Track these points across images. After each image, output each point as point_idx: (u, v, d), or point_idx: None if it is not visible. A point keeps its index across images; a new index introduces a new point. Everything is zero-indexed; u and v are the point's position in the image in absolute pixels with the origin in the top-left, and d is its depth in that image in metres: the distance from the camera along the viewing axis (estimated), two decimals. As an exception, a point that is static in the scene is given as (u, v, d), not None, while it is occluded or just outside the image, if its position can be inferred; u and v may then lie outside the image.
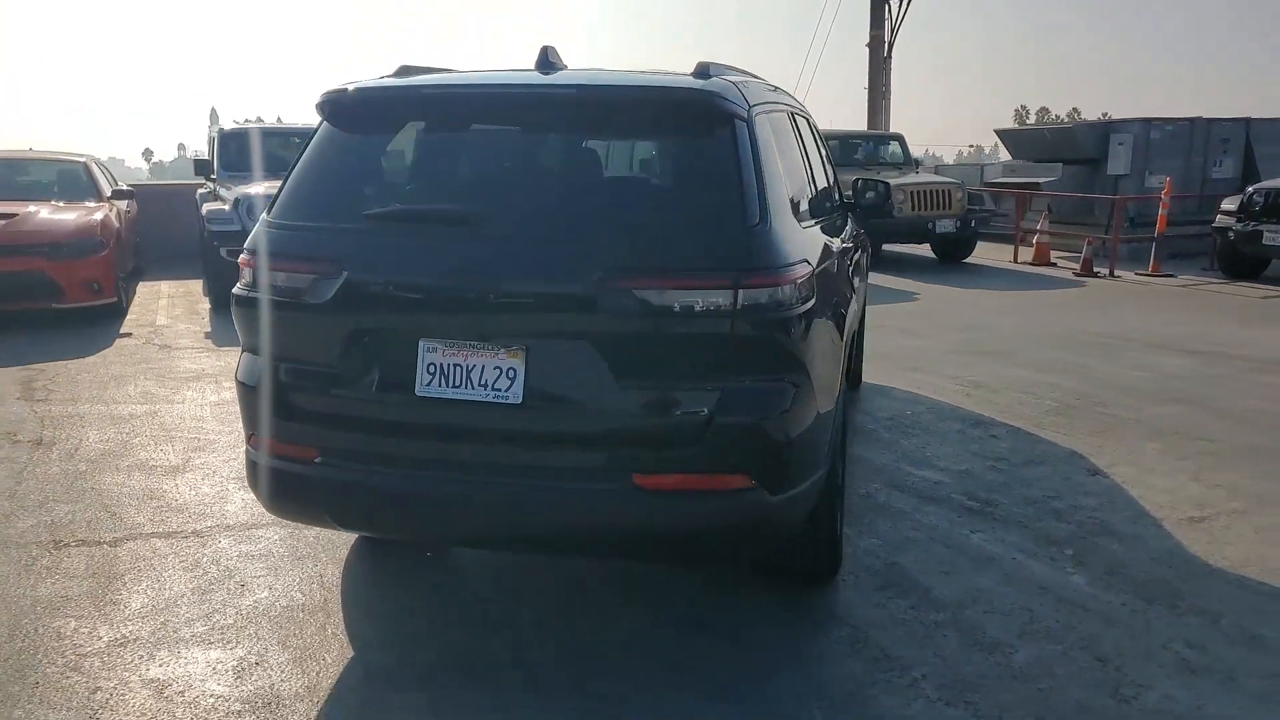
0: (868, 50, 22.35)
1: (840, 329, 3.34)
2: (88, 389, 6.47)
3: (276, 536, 3.95)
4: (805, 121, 4.50)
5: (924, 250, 14.78)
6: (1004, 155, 19.63)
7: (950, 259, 14.05)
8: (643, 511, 2.65)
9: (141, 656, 3.01)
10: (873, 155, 15.09)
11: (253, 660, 2.99)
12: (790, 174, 3.28)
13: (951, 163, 40.88)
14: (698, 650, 3.09)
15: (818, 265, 3.09)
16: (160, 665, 2.96)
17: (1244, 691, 2.87)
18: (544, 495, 2.66)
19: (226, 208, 9.52)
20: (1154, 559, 3.80)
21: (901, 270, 13.17)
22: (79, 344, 7.96)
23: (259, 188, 9.53)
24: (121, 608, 3.34)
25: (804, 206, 3.43)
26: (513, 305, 2.63)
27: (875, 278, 12.37)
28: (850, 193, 5.56)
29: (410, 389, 2.72)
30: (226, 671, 2.92)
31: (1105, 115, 73.12)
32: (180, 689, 2.83)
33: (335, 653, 3.05)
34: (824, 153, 4.71)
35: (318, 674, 2.91)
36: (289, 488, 2.88)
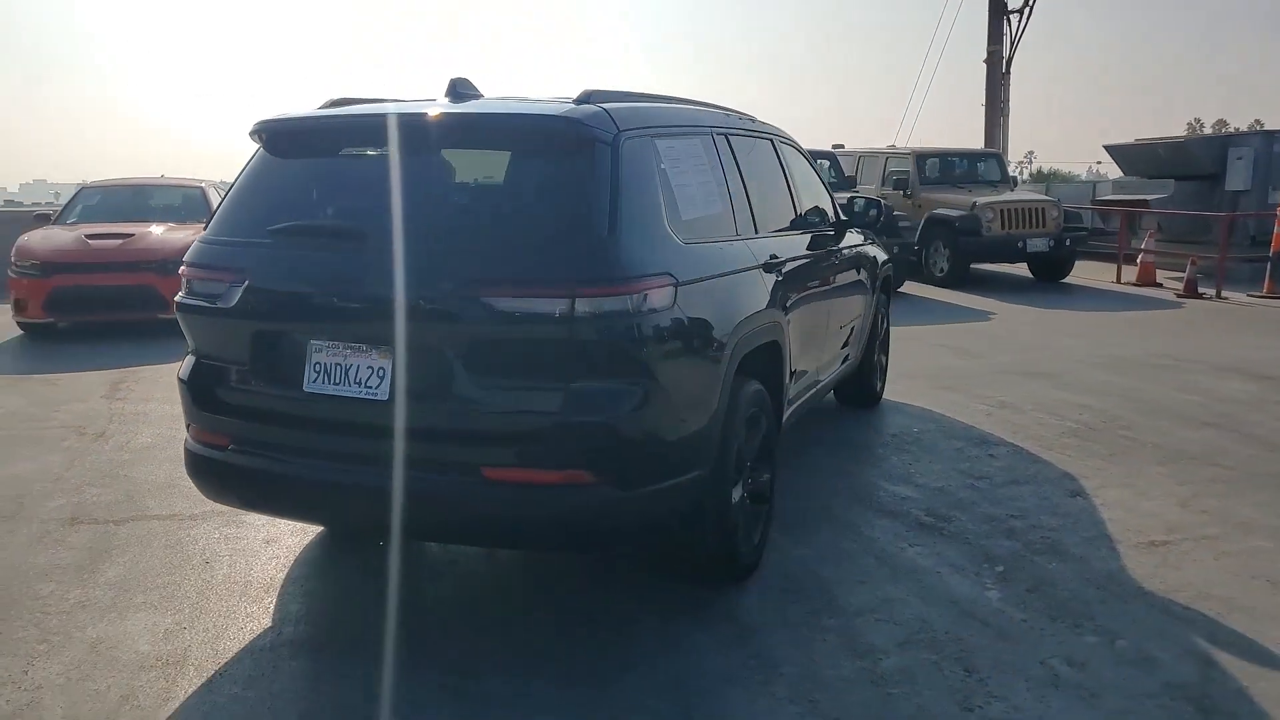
0: (985, 66, 21.83)
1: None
2: (162, 390, 7.15)
3: (260, 523, 4.34)
4: (768, 143, 4.63)
5: (1020, 270, 14.33)
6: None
7: (1046, 279, 13.58)
8: (492, 502, 2.88)
9: (93, 618, 3.42)
10: (969, 173, 14.77)
11: (182, 626, 3.36)
12: (692, 193, 3.43)
13: (1084, 179, 39.09)
14: (573, 639, 3.27)
15: (704, 277, 3.24)
16: (106, 625, 3.37)
17: (1099, 708, 2.84)
18: (406, 484, 2.92)
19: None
20: (1086, 580, 3.73)
21: (988, 289, 12.83)
22: (174, 351, 8.75)
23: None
24: (97, 576, 3.79)
25: (713, 223, 3.57)
26: (382, 311, 2.91)
27: (955, 296, 12.16)
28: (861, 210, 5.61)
29: (299, 385, 3.04)
30: (156, 634, 3.30)
31: (1224, 126, 68.18)
32: (111, 645, 3.21)
33: (257, 624, 3.39)
34: (794, 173, 4.80)
35: (231, 641, 3.25)
36: (207, 472, 3.25)
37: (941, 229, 13.12)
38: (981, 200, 12.93)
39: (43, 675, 3.04)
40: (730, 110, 4.46)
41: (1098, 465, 5.18)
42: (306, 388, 3.03)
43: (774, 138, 4.74)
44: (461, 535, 3.11)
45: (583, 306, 2.80)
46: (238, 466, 3.14)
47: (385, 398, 2.93)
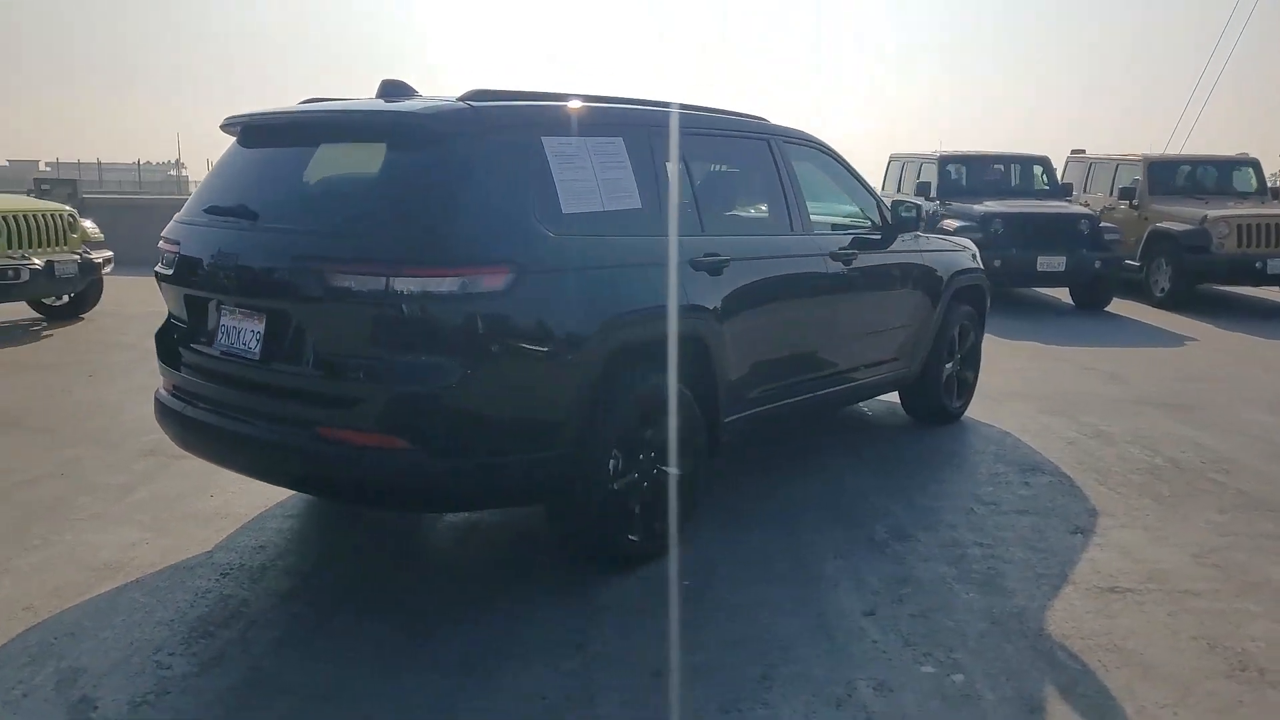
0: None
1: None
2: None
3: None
4: (755, 146, 4.59)
5: (1271, 295, 12.56)
6: None
7: (1297, 305, 11.81)
8: (323, 458, 3.21)
9: (92, 529, 4.14)
10: (1219, 182, 13.12)
11: (146, 541, 3.99)
12: (584, 189, 3.56)
13: None
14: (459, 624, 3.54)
15: (570, 269, 3.39)
16: (93, 534, 4.07)
17: (855, 733, 2.70)
18: (265, 436, 3.33)
19: (971, 223, 11.06)
20: (986, 615, 3.46)
21: (1212, 314, 11.35)
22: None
23: (999, 206, 11.35)
24: (125, 498, 4.54)
25: (620, 219, 3.67)
26: (258, 282, 3.33)
27: (1165, 319, 10.96)
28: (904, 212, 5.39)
29: (213, 343, 3.54)
30: (124, 545, 3.94)
31: None
32: (83, 550, 3.89)
33: (199, 548, 3.94)
34: (795, 177, 4.69)
35: (172, 557, 3.83)
36: (160, 414, 3.84)
37: (1164, 244, 11.79)
38: (1214, 214, 11.48)
39: (18, 562, 3.76)
40: (706, 112, 4.46)
41: (1140, 505, 4.65)
42: (215, 346, 3.52)
43: (773, 139, 4.67)
44: (304, 486, 3.46)
45: (406, 285, 3.06)
46: (174, 412, 3.70)
47: (256, 358, 3.36)
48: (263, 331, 3.36)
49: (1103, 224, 11.53)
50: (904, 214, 5.36)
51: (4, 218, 8.68)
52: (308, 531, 4.18)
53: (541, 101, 3.74)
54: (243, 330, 3.43)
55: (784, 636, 3.26)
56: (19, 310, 9.83)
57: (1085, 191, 13.99)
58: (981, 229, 11.14)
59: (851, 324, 5.03)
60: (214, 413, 3.54)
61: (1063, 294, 12.36)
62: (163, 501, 4.47)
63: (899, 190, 13.94)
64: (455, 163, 3.25)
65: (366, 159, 3.39)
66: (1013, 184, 13.16)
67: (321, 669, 3.01)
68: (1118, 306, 11.81)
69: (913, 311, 5.53)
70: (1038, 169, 13.20)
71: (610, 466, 3.63)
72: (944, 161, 12.90)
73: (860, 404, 6.56)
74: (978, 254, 6.41)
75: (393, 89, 3.75)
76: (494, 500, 3.55)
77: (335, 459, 3.19)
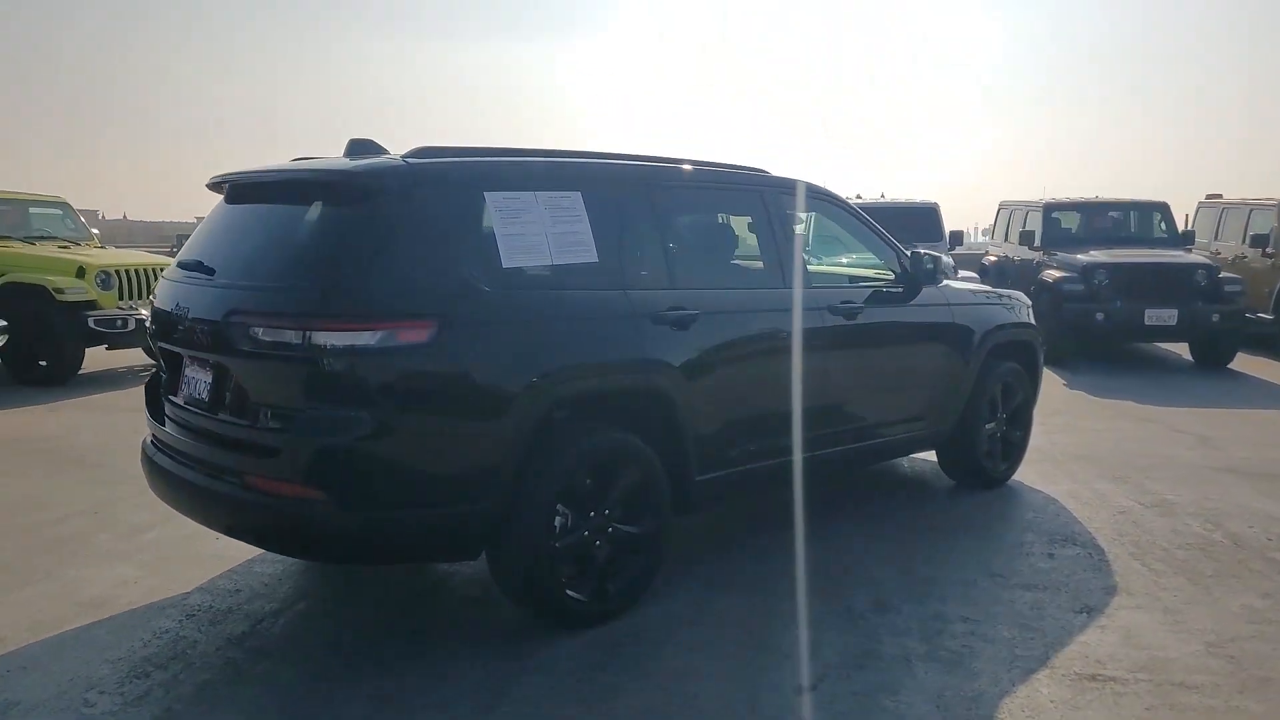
0: None
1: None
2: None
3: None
4: (746, 198, 4.52)
5: None
6: None
7: None
8: (248, 507, 3.30)
9: (104, 561, 4.39)
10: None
11: (133, 579, 4.19)
12: (530, 243, 3.57)
13: None
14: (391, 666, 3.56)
15: (505, 322, 3.40)
16: (97, 569, 4.30)
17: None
18: (205, 484, 3.45)
19: (1073, 274, 10.82)
20: (937, 699, 3.20)
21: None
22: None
23: (1103, 256, 10.88)
24: (141, 534, 4.78)
25: (569, 273, 3.66)
26: (207, 334, 3.48)
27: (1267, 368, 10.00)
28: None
29: (179, 394, 3.72)
30: (117, 582, 4.15)
31: None
32: (82, 586, 4.12)
33: (185, 584, 4.11)
34: (785, 227, 4.57)
35: (160, 594, 4.00)
36: (142, 461, 4.01)
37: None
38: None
39: (15, 594, 4.01)
40: (688, 165, 4.41)
41: (1170, 585, 4.24)
42: (181, 396, 3.70)
43: (766, 191, 4.56)
44: (236, 534, 3.51)
45: (323, 339, 3.14)
46: (151, 460, 3.87)
47: (207, 409, 3.51)
48: (210, 383, 3.50)
49: (1224, 275, 10.70)
50: (926, 266, 5.14)
51: (117, 271, 9.44)
52: (287, 576, 4.29)
53: (490, 158, 3.79)
54: (198, 381, 3.59)
55: (701, 710, 3.11)
56: (137, 357, 10.63)
57: (1216, 239, 13.07)
58: (1084, 280, 10.57)
59: (858, 381, 4.83)
60: (175, 461, 3.70)
61: (1184, 349, 11.52)
62: (170, 542, 4.68)
63: (1006, 239, 13.39)
64: (381, 217, 3.33)
65: (306, 216, 3.50)
66: (1128, 232, 12.41)
67: (225, 716, 3.07)
68: (1244, 364, 10.91)
69: (938, 368, 5.26)
70: (1155, 216, 12.41)
71: (555, 523, 3.59)
72: (1049, 209, 12.30)
73: (902, 462, 6.29)
74: (1027, 307, 6.06)
75: (359, 147, 3.87)
76: (413, 554, 3.58)
77: (259, 508, 3.28)
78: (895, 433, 5.10)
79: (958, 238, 11.73)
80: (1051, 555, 4.63)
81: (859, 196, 15.37)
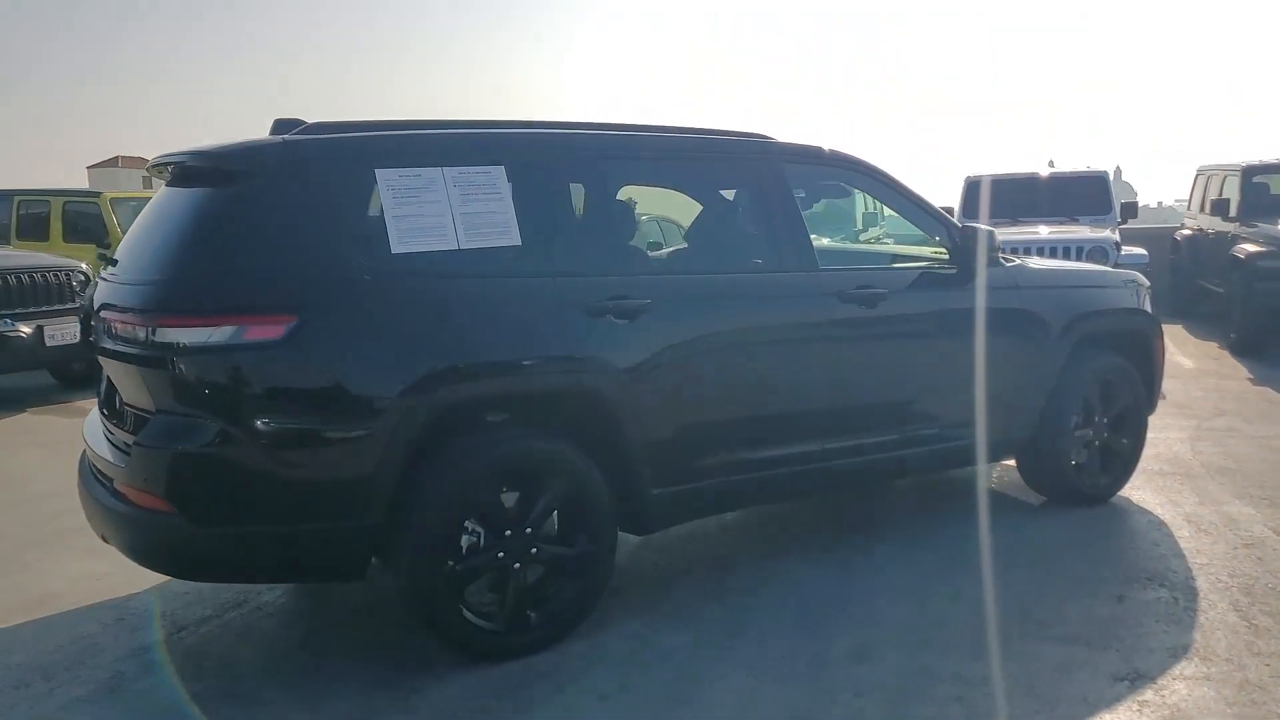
0: None
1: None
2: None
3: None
4: (743, 168, 3.89)
5: None
6: None
7: None
8: (115, 516, 3.06)
9: (81, 555, 4.37)
10: None
11: (100, 574, 4.11)
12: (430, 224, 3.14)
13: None
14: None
15: (382, 316, 3.02)
16: (70, 563, 4.28)
17: None
18: (92, 490, 3.24)
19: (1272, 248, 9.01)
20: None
21: None
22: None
23: None
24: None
25: (481, 257, 3.21)
26: (99, 334, 3.26)
27: None
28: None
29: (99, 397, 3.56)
30: (80, 577, 4.11)
31: None
32: (43, 580, 4.10)
33: (144, 583, 4.00)
34: (784, 202, 3.88)
35: (111, 593, 3.92)
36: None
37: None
38: None
39: None
40: (636, 132, 3.81)
41: (1271, 650, 3.28)
42: (100, 397, 3.53)
43: (765, 161, 3.87)
44: (112, 543, 3.25)
45: (165, 335, 2.86)
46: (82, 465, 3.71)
47: (104, 413, 3.32)
48: (105, 384, 3.31)
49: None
50: (980, 243, 4.29)
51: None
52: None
53: (387, 131, 3.37)
54: (104, 382, 3.41)
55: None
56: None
57: None
58: (1284, 255, 8.93)
59: (882, 380, 4.08)
60: (90, 467, 3.49)
61: None
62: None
63: (1202, 209, 11.64)
64: (240, 202, 3.01)
65: (180, 202, 3.20)
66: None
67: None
68: None
69: (1001, 363, 4.37)
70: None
71: (460, 541, 3.17)
72: (1250, 173, 10.52)
73: (990, 471, 5.40)
74: (1141, 291, 5.02)
75: (284, 126, 3.56)
76: (282, 574, 3.25)
77: (121, 517, 3.04)
78: (936, 441, 4.28)
79: (1130, 209, 10.23)
80: (1122, 598, 3.73)
81: (1051, 164, 13.96)
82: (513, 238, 3.30)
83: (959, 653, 3.28)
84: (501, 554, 3.22)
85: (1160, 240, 12.40)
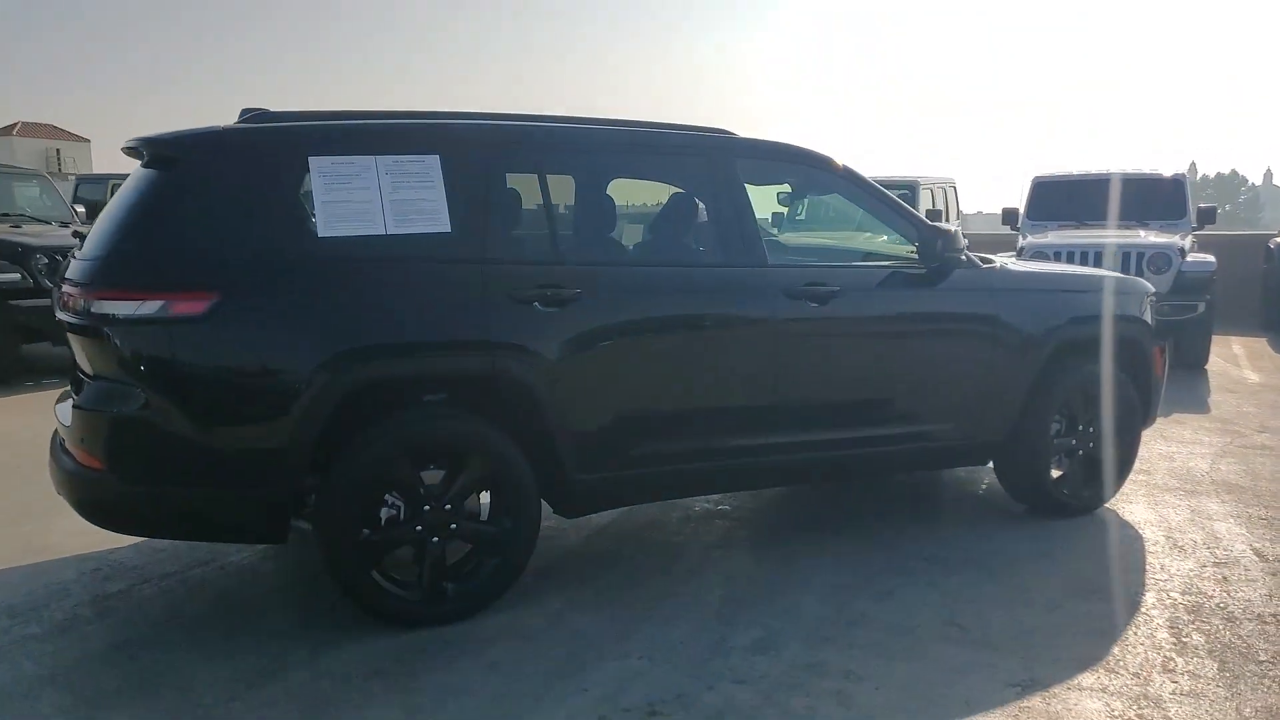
0: None
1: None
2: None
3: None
4: (692, 162, 3.98)
5: None
6: None
7: None
8: (66, 473, 3.34)
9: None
10: None
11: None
12: (357, 210, 3.32)
13: None
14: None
15: (301, 295, 3.22)
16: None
17: None
18: (63, 453, 3.53)
19: None
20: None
21: None
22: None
23: None
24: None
25: (410, 242, 3.38)
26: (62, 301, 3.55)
27: None
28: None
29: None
30: (84, 531, 4.46)
31: None
32: (52, 532, 4.45)
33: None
34: (732, 198, 3.91)
35: (103, 545, 4.26)
36: None
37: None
38: None
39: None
40: (581, 125, 3.91)
41: (1188, 668, 3.18)
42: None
43: (716, 155, 3.91)
44: (66, 500, 3.50)
45: (100, 308, 3.12)
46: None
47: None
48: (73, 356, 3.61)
49: None
50: (947, 244, 4.22)
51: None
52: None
53: (332, 121, 3.56)
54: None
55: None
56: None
57: None
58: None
59: (830, 379, 4.07)
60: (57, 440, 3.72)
61: None
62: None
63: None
64: (173, 186, 3.24)
65: (129, 185, 3.45)
66: None
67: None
68: None
69: (966, 366, 4.31)
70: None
71: (380, 514, 3.36)
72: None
73: (982, 480, 5.30)
74: (1139, 299, 4.85)
75: (249, 116, 3.80)
76: (209, 534, 3.45)
77: (67, 473, 3.33)
78: (886, 443, 4.23)
79: (1208, 215, 9.71)
80: (1055, 608, 3.65)
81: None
82: (442, 225, 3.45)
83: (861, 651, 3.28)
84: (419, 527, 3.38)
85: (1244, 249, 11.77)
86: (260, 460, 3.21)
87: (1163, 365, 4.89)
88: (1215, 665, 3.19)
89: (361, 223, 3.36)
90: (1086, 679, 3.09)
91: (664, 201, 4.20)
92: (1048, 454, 4.57)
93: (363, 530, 3.31)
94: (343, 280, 3.30)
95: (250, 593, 3.88)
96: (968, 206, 10.82)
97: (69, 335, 3.41)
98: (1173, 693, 3.01)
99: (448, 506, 3.42)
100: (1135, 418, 4.78)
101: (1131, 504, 4.88)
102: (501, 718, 2.87)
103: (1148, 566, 4.07)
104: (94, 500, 3.27)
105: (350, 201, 3.37)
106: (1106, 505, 4.80)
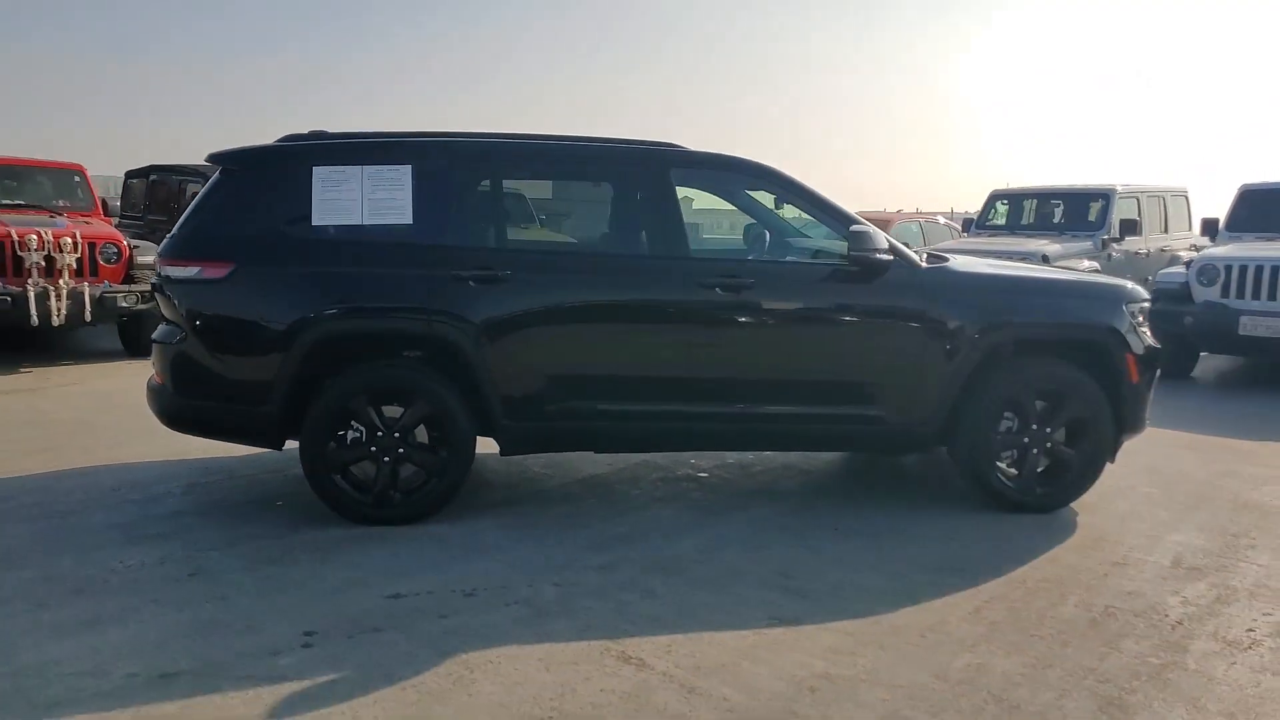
0: None
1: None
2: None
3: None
4: (629, 174, 4.77)
5: None
6: None
7: None
8: (150, 390, 4.73)
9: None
10: None
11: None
12: (345, 206, 4.42)
13: None
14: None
15: (292, 268, 4.38)
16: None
17: None
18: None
19: None
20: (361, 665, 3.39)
21: None
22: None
23: None
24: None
25: (381, 232, 4.43)
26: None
27: None
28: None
29: None
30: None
31: None
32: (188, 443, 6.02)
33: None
34: (663, 206, 4.59)
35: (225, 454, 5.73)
36: None
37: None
38: None
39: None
40: (528, 141, 4.81)
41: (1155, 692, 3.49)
42: None
43: (649, 167, 4.64)
44: (151, 409, 4.86)
45: (165, 270, 4.49)
46: None
47: None
48: None
49: None
50: (871, 246, 4.59)
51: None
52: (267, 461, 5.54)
53: (340, 140, 4.68)
54: None
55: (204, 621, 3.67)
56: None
57: None
58: None
59: (738, 358, 4.60)
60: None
61: None
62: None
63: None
64: (218, 188, 4.53)
65: (206, 185, 4.79)
66: None
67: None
68: None
69: (887, 358, 4.65)
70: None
71: (346, 435, 4.45)
72: None
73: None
74: (1113, 304, 4.84)
75: (291, 137, 4.99)
76: (230, 436, 4.66)
77: (150, 389, 4.74)
78: (792, 421, 4.68)
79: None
80: (899, 578, 3.97)
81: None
82: (406, 218, 4.49)
83: (680, 581, 3.86)
84: (374, 449, 4.43)
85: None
86: (256, 386, 4.41)
87: (1140, 374, 4.83)
88: (983, 630, 3.45)
89: (345, 215, 4.48)
90: (843, 625, 3.48)
91: (600, 203, 4.97)
92: (988, 448, 4.74)
93: (330, 444, 4.41)
94: (326, 258, 4.42)
95: (278, 493, 5.11)
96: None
97: (154, 292, 4.86)
98: (881, 647, 3.34)
99: (396, 435, 4.43)
100: (1103, 422, 4.78)
101: (1100, 509, 4.87)
102: (364, 580, 3.80)
103: (1034, 559, 4.19)
104: (161, 407, 4.65)
105: (339, 200, 4.49)
106: (1072, 505, 4.86)
